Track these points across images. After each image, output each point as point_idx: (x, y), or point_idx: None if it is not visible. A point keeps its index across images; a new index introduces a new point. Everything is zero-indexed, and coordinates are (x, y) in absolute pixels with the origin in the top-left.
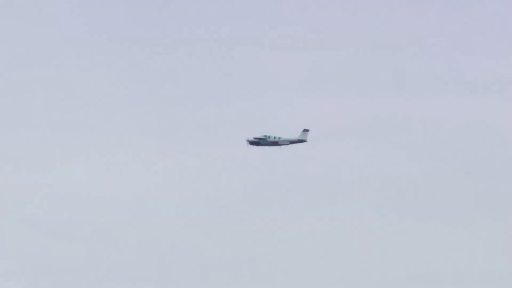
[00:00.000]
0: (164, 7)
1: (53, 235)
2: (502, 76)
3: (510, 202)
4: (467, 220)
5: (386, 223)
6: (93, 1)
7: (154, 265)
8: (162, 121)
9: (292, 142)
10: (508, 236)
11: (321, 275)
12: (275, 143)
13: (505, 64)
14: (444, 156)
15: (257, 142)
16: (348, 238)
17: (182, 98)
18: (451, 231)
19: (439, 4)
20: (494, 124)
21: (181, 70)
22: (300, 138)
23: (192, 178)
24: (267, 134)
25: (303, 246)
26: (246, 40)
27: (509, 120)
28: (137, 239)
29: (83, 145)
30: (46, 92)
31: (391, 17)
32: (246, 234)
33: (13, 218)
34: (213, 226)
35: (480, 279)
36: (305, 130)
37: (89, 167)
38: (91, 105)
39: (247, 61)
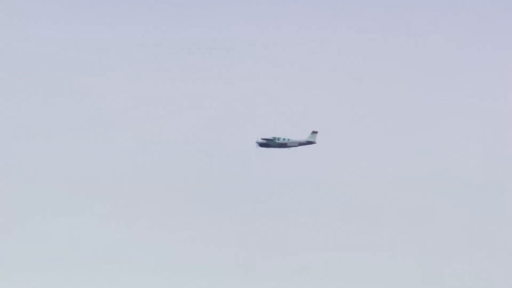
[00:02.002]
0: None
1: None
2: (502, 75)
3: None
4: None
5: (395, 224)
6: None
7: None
8: (170, 123)
9: (301, 144)
10: None
11: (330, 273)
12: (283, 145)
13: (505, 63)
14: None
15: (266, 143)
16: (356, 241)
17: (191, 99)
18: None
19: (439, 4)
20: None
21: (190, 70)
22: (308, 140)
23: (200, 179)
24: (276, 136)
25: (310, 248)
26: (254, 40)
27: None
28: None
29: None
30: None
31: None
32: (255, 236)
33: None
34: (222, 227)
35: None
36: (314, 132)
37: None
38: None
39: (256, 62)
